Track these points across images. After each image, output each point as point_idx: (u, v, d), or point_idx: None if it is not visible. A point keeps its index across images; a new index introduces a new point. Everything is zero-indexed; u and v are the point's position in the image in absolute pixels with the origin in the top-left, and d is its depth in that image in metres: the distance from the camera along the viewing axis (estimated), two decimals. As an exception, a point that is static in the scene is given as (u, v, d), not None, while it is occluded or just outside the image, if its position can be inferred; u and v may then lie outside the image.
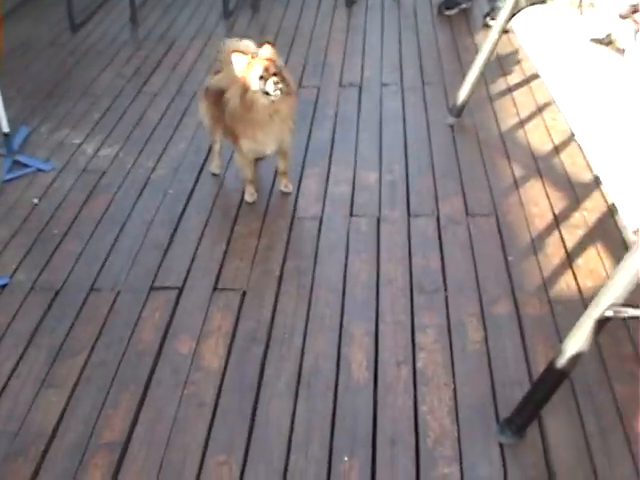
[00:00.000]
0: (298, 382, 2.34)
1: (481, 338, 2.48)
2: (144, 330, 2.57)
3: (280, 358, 2.43)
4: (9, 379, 2.39)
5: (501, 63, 4.48)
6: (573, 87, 3.81)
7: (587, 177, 3.34)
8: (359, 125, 3.88)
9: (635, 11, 3.43)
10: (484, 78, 4.01)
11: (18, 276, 2.86)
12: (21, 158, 3.63)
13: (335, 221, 3.11)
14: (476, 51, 3.83)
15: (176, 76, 4.52)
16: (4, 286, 2.80)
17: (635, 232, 2.83)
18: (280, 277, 2.80)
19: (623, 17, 3.46)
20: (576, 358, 1.94)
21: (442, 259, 2.86)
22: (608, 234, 2.96)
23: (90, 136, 3.86)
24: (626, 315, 1.84)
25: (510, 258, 2.85)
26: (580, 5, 3.89)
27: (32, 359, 2.47)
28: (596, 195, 3.21)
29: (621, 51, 3.49)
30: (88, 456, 2.13)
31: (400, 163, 3.51)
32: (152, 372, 2.40)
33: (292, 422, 2.20)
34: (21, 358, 2.47)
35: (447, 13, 5.30)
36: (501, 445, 2.11)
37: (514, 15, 3.59)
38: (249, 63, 2.92)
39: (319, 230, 3.06)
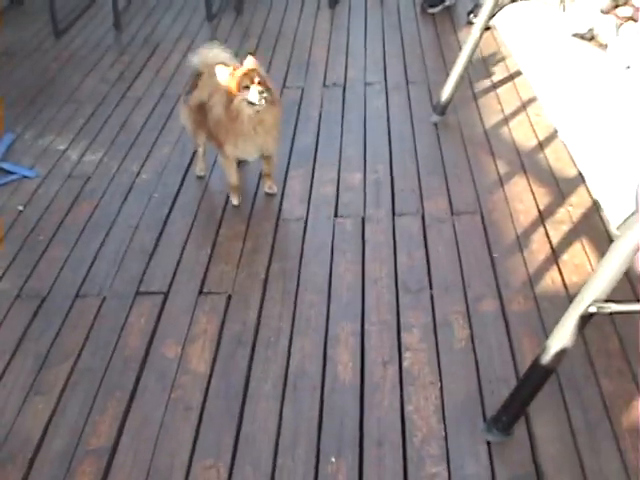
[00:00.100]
0: (284, 384, 2.34)
1: (467, 336, 2.48)
2: (130, 335, 2.56)
3: (266, 360, 2.43)
4: (-5, 387, 2.38)
5: (484, 60, 4.48)
6: (556, 83, 3.82)
7: (572, 172, 3.34)
8: (343, 125, 3.87)
9: (616, 6, 3.45)
10: (468, 75, 4.01)
11: (4, 284, 2.85)
12: (5, 165, 3.62)
13: (320, 222, 3.11)
14: (460, 49, 3.83)
15: (160, 80, 4.51)
16: (-11, 294, 2.79)
17: (618, 228, 2.83)
18: (265, 280, 2.79)
19: (605, 12, 3.47)
20: (561, 354, 1.94)
21: (427, 258, 2.86)
22: (593, 229, 2.97)
23: (75, 142, 3.85)
24: (609, 311, 1.84)
25: (495, 255, 2.85)
26: (562, 1, 3.90)
27: (18, 367, 2.46)
28: (581, 190, 3.21)
29: (603, 46, 3.50)
30: (75, 463, 2.12)
31: (384, 162, 3.51)
32: (138, 377, 2.39)
33: (279, 424, 2.20)
34: (7, 366, 2.46)
35: (430, 11, 5.28)
36: (488, 443, 2.11)
37: (496, 12, 3.60)
38: (232, 74, 2.93)
39: (304, 231, 3.05)
